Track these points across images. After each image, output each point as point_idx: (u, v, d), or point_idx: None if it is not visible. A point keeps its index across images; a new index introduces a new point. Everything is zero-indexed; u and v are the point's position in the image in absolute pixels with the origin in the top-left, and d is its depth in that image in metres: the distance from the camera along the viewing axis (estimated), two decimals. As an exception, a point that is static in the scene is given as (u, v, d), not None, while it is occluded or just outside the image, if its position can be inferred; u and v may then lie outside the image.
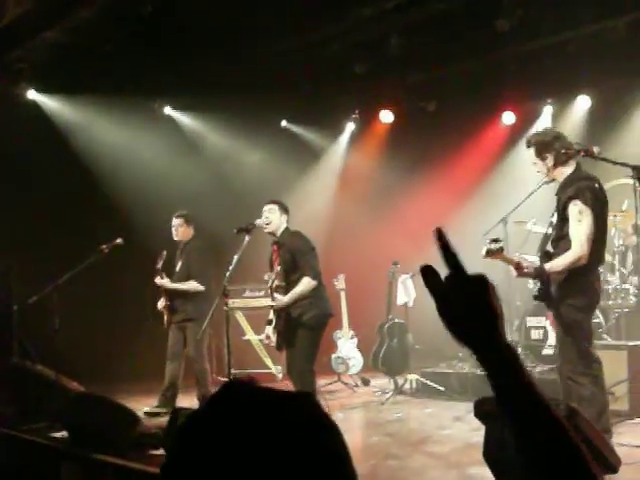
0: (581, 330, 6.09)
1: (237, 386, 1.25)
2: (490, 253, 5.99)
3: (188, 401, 8.73)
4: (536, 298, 6.36)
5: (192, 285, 8.98)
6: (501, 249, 6.00)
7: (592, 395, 5.91)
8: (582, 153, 5.98)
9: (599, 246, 6.12)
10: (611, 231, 9.24)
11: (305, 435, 1.18)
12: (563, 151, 6.02)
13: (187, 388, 9.24)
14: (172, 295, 9.00)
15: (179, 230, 9.17)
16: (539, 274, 6.16)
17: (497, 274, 10.19)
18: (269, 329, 7.56)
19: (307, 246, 7.47)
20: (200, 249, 9.19)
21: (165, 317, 9.09)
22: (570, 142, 6.33)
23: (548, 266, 6.05)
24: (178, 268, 9.09)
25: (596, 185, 6.10)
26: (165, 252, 9.07)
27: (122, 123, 10.95)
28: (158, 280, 8.92)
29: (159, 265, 8.93)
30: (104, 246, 8.82)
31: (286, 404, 1.22)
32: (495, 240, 6.07)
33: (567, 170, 6.23)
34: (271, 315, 7.59)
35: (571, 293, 6.02)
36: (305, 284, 7.29)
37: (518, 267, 6.12)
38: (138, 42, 9.30)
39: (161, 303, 9.08)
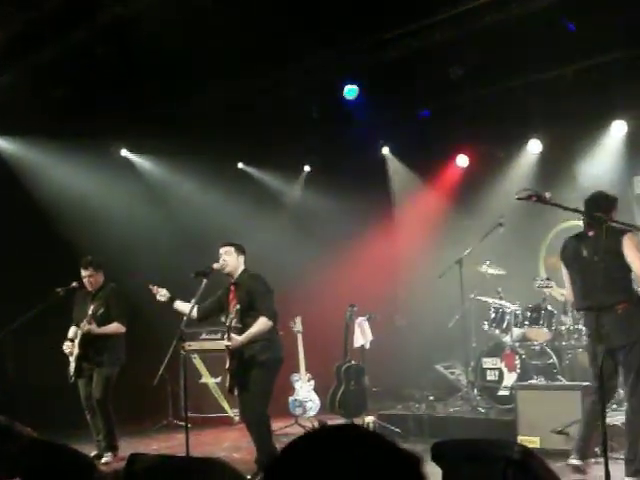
0: None
1: (350, 432, 1.20)
2: None
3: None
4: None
5: (116, 327, 8.81)
6: None
7: None
8: (534, 198, 6.09)
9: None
10: (562, 272, 9.38)
11: None
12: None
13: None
14: (87, 343, 8.67)
15: (91, 280, 8.88)
16: None
17: (455, 314, 10.32)
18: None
19: (265, 287, 7.49)
20: (118, 293, 9.00)
21: (72, 365, 8.73)
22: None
23: None
24: (99, 314, 8.67)
25: None
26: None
27: (78, 165, 10.89)
28: (85, 327, 8.57)
29: (95, 311, 8.71)
30: (59, 289, 8.75)
31: (395, 461, 1.17)
32: None
33: None
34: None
35: None
36: (261, 324, 7.29)
37: None
38: (95, 84, 9.33)
39: (70, 349, 8.73)
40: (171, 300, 7.75)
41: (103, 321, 8.73)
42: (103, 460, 8.54)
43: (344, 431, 1.20)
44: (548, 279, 8.68)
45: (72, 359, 8.70)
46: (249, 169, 13.18)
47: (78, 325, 8.73)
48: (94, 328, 8.62)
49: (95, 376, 8.73)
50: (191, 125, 10.73)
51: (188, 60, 8.95)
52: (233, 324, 7.36)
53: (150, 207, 11.81)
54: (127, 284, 9.23)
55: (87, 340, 8.65)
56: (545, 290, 8.76)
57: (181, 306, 7.70)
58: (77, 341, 8.66)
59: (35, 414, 8.47)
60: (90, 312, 8.61)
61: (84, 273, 8.87)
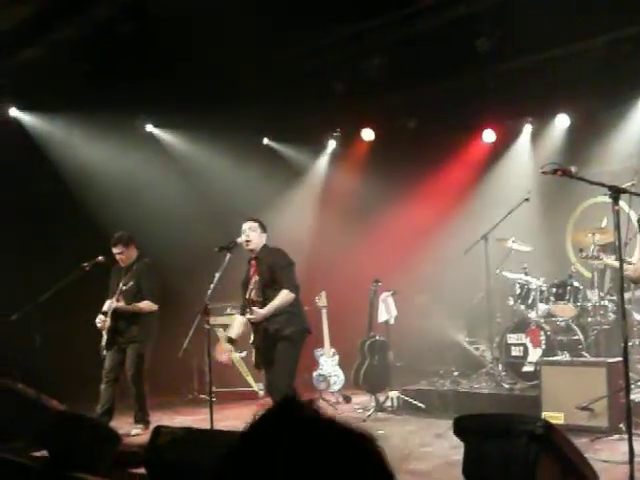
0: None
1: (293, 410, 1.20)
2: None
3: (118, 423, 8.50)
4: None
5: (146, 305, 8.86)
6: None
7: None
8: (560, 172, 6.03)
9: None
10: (590, 248, 9.32)
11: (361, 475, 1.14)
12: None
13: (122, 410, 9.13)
14: (118, 317, 8.76)
15: (123, 257, 8.93)
16: None
17: (479, 291, 10.29)
18: (228, 347, 7.58)
19: (286, 260, 7.48)
20: (149, 268, 9.01)
21: (104, 339, 8.79)
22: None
23: None
24: (126, 288, 8.74)
25: None
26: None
27: (104, 140, 10.94)
28: (114, 303, 8.68)
29: (124, 286, 8.77)
30: (85, 264, 8.80)
31: (347, 442, 1.17)
32: None
33: None
34: (231, 333, 7.60)
35: None
36: (283, 296, 7.28)
37: None
38: (120, 59, 9.33)
39: (103, 323, 8.78)
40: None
41: (132, 296, 8.78)
42: (133, 432, 8.63)
43: (289, 418, 1.19)
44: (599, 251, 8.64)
45: (104, 332, 8.77)
46: (274, 144, 13.17)
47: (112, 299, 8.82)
48: (122, 305, 8.68)
49: (128, 352, 8.80)
50: (216, 100, 10.71)
51: (213, 35, 8.91)
52: (254, 297, 7.37)
53: (174, 182, 11.83)
54: (152, 258, 9.24)
55: (118, 314, 8.73)
56: (594, 262, 8.71)
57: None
58: (109, 315, 8.73)
59: (62, 387, 8.59)
60: (120, 287, 8.68)
61: (114, 250, 8.92)
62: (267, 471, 1.13)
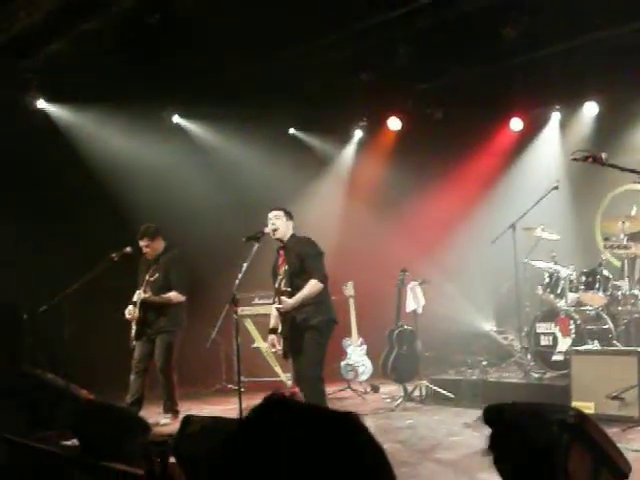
0: None
1: (278, 404, 1.22)
2: None
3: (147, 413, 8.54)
4: None
5: (174, 296, 8.88)
6: None
7: None
8: (590, 159, 5.97)
9: None
10: (620, 236, 9.23)
11: (350, 459, 1.16)
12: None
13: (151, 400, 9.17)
14: (147, 307, 8.79)
15: (149, 249, 8.96)
16: None
17: (507, 280, 10.23)
18: (272, 337, 7.57)
19: (315, 250, 7.47)
20: (177, 259, 9.03)
21: (133, 330, 8.84)
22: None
23: None
24: (152, 280, 8.79)
25: None
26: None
27: (131, 131, 10.98)
28: (142, 294, 8.73)
29: (150, 277, 8.82)
30: (114, 254, 8.83)
31: (330, 425, 1.20)
32: None
33: None
34: (272, 323, 7.60)
35: None
36: (312, 286, 7.28)
37: None
38: (146, 51, 9.34)
39: (132, 314, 8.82)
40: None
41: (159, 287, 8.81)
42: (162, 422, 8.68)
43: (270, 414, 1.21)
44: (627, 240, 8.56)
45: (133, 323, 8.82)
46: (301, 134, 13.15)
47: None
48: (149, 297, 8.72)
49: (157, 342, 8.84)
50: (242, 91, 10.70)
51: (238, 26, 8.91)
52: (283, 287, 7.37)
53: (202, 172, 11.85)
54: (180, 249, 9.27)
55: (147, 305, 8.76)
56: (621, 252, 8.63)
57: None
58: (138, 305, 8.77)
59: (91, 377, 8.65)
60: (147, 278, 8.71)
61: (141, 243, 8.95)
62: (262, 459, 1.16)
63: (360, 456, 1.19)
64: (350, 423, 1.23)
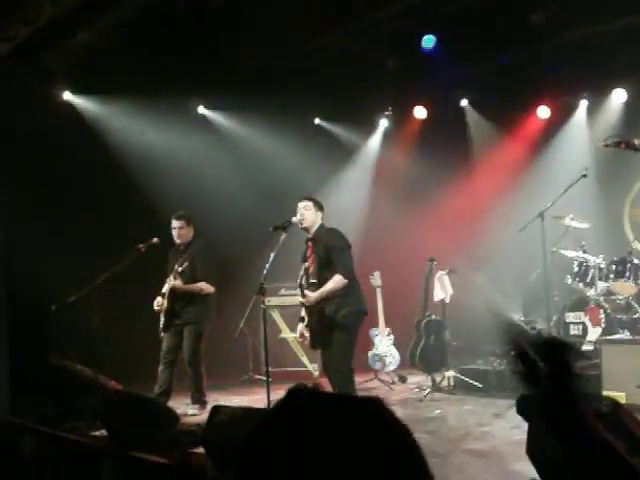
0: None
1: (302, 393, 1.21)
2: None
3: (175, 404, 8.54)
4: None
5: (204, 286, 8.87)
6: None
7: None
8: (623, 145, 5.90)
9: None
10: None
11: (379, 444, 1.15)
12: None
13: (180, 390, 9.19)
14: (175, 298, 8.82)
15: (181, 232, 8.97)
16: None
17: (536, 268, 10.14)
18: (301, 327, 7.55)
19: (343, 243, 7.43)
20: (205, 250, 9.03)
21: (162, 321, 8.87)
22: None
23: None
24: (182, 269, 8.77)
25: None
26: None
27: (157, 123, 10.99)
28: (172, 282, 8.76)
29: (179, 267, 8.80)
30: (141, 245, 8.87)
31: (354, 410, 1.19)
32: None
33: None
34: (303, 313, 7.58)
35: None
36: (336, 282, 7.25)
37: None
38: (171, 42, 9.34)
39: (160, 306, 8.85)
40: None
41: (187, 277, 8.81)
42: (190, 412, 8.70)
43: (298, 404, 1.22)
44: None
45: (162, 314, 8.83)
46: (326, 124, 13.11)
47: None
48: (179, 284, 8.72)
49: (185, 334, 8.85)
50: (268, 81, 10.68)
51: (264, 15, 8.88)
52: (310, 279, 7.35)
53: (228, 163, 11.84)
54: (208, 239, 9.28)
55: (175, 296, 8.76)
56: None
57: None
58: (166, 296, 8.79)
59: (120, 368, 8.68)
60: (176, 268, 8.71)
61: (175, 224, 8.96)
62: (289, 449, 1.16)
63: (388, 439, 1.18)
64: (375, 407, 1.22)
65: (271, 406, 1.24)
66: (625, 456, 1.35)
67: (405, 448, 1.20)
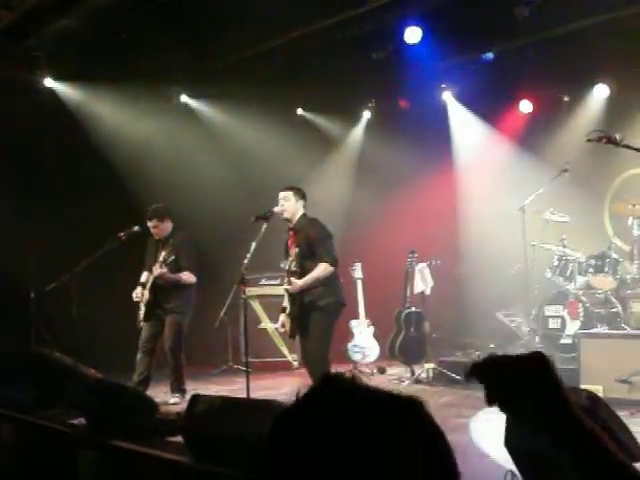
0: None
1: (339, 383, 1.20)
2: None
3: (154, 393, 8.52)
4: None
5: (186, 276, 8.79)
6: None
7: None
8: (605, 140, 5.92)
9: None
10: (629, 220, 9.19)
11: (414, 445, 1.13)
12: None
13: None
14: (157, 289, 8.73)
15: (157, 230, 8.83)
16: None
17: (517, 262, 10.18)
18: (283, 316, 7.55)
19: (324, 232, 7.44)
20: (188, 241, 8.96)
21: (142, 311, 8.78)
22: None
23: None
24: (168, 262, 8.62)
25: None
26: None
27: (138, 110, 10.94)
28: (158, 270, 8.61)
29: (166, 258, 8.73)
30: (121, 233, 8.82)
31: (392, 404, 1.17)
32: None
33: None
34: (285, 302, 7.58)
35: None
36: (322, 270, 7.26)
37: None
38: (153, 30, 9.29)
39: (140, 296, 8.76)
40: None
41: (173, 269, 8.76)
42: (171, 401, 8.66)
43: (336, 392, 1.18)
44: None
45: (142, 305, 8.79)
46: (308, 115, 13.10)
47: (150, 271, 8.81)
48: (164, 272, 8.62)
49: (167, 322, 8.79)
50: (250, 70, 10.65)
51: (248, 4, 8.85)
52: (293, 268, 7.35)
53: (209, 152, 11.81)
54: (188, 229, 9.25)
55: (157, 286, 8.72)
56: None
57: None
58: (148, 286, 8.74)
59: (99, 357, 8.65)
60: (161, 259, 8.65)
61: (149, 224, 8.85)
62: (322, 441, 1.11)
63: (422, 442, 1.17)
64: (414, 408, 1.19)
65: (303, 391, 1.21)
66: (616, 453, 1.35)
67: (439, 453, 1.18)
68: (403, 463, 1.12)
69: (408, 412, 1.18)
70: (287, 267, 7.42)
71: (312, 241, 7.35)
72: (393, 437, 1.13)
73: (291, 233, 7.52)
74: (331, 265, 7.29)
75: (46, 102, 10.38)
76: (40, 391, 7.38)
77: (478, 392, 1.53)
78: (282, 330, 7.78)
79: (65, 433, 4.23)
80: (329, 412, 1.14)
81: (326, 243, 7.38)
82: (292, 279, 7.29)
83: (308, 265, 7.31)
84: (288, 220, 7.48)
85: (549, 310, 9.47)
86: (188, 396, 6.76)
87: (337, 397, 1.17)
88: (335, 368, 7.74)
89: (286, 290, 7.43)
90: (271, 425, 1.19)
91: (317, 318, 7.29)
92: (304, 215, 7.51)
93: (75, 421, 5.19)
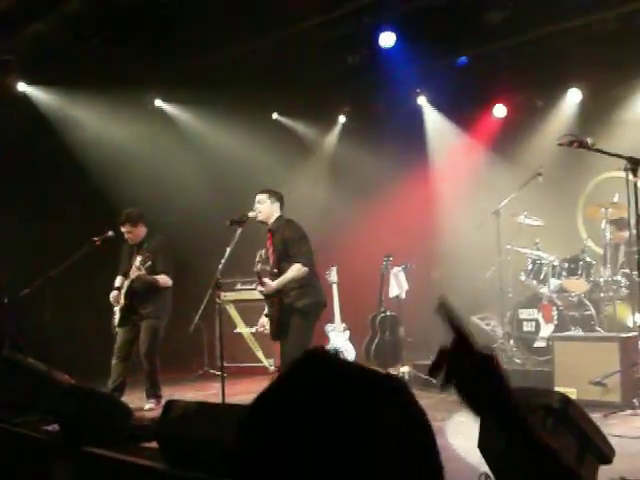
0: None
1: (319, 358, 1.18)
2: None
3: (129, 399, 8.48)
4: None
5: (163, 279, 8.73)
6: None
7: None
8: (576, 144, 5.97)
9: None
10: (602, 224, 9.26)
11: (395, 421, 1.12)
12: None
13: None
14: (132, 294, 8.68)
15: (131, 235, 8.78)
16: None
17: (491, 265, 10.23)
18: (264, 319, 7.56)
19: (298, 233, 7.45)
20: (165, 245, 8.90)
21: (117, 316, 8.74)
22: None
23: None
24: (146, 267, 8.53)
25: None
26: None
27: (113, 115, 10.89)
28: (136, 272, 8.52)
29: (143, 263, 8.67)
30: (96, 238, 8.77)
31: (374, 382, 1.15)
32: None
33: None
34: (267, 309, 7.59)
35: None
36: (295, 270, 7.27)
37: None
38: (127, 34, 9.26)
39: (116, 299, 8.72)
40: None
41: (150, 273, 8.70)
42: (146, 407, 8.61)
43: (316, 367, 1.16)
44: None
45: (117, 309, 8.73)
46: (284, 119, 13.09)
47: (125, 275, 8.75)
48: (142, 274, 8.53)
49: (143, 327, 8.73)
50: (225, 75, 10.64)
51: (222, 9, 8.84)
52: (272, 270, 7.37)
53: (184, 157, 11.79)
54: (163, 233, 9.21)
55: (133, 291, 8.65)
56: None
57: None
58: (123, 291, 8.68)
59: (72, 362, 8.58)
60: (137, 263, 8.57)
61: (122, 229, 8.79)
62: (301, 418, 1.10)
63: (405, 419, 1.16)
64: (398, 385, 1.19)
65: (285, 369, 1.18)
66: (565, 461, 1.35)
67: (420, 431, 1.18)
68: (381, 445, 1.10)
69: (390, 392, 1.17)
70: (255, 269, 7.42)
71: (286, 242, 7.37)
72: (371, 416, 1.11)
73: (269, 235, 7.54)
74: (304, 265, 7.29)
75: (19, 107, 10.31)
76: (13, 397, 7.32)
77: (453, 395, 1.54)
78: (261, 330, 7.79)
79: (39, 440, 4.20)
80: (307, 389, 1.12)
81: (300, 243, 7.39)
82: (265, 280, 7.29)
83: (285, 266, 7.32)
84: (264, 222, 7.49)
85: (523, 313, 9.52)
86: (163, 401, 6.72)
87: (316, 373, 1.15)
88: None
89: (260, 292, 7.44)
90: (250, 405, 1.17)
91: (295, 321, 7.30)
92: (280, 217, 7.52)
93: (49, 427, 5.16)
